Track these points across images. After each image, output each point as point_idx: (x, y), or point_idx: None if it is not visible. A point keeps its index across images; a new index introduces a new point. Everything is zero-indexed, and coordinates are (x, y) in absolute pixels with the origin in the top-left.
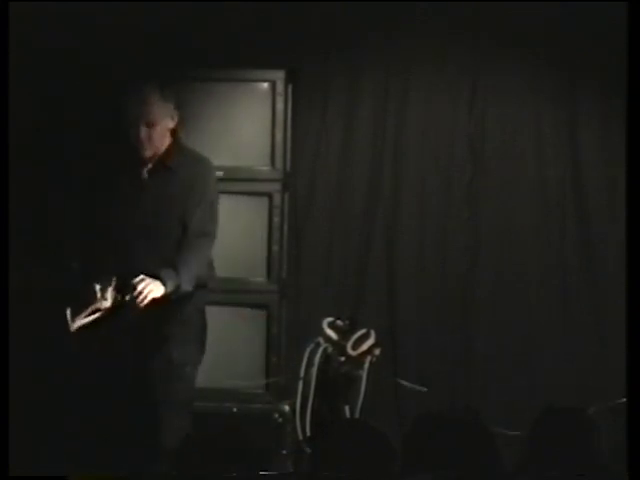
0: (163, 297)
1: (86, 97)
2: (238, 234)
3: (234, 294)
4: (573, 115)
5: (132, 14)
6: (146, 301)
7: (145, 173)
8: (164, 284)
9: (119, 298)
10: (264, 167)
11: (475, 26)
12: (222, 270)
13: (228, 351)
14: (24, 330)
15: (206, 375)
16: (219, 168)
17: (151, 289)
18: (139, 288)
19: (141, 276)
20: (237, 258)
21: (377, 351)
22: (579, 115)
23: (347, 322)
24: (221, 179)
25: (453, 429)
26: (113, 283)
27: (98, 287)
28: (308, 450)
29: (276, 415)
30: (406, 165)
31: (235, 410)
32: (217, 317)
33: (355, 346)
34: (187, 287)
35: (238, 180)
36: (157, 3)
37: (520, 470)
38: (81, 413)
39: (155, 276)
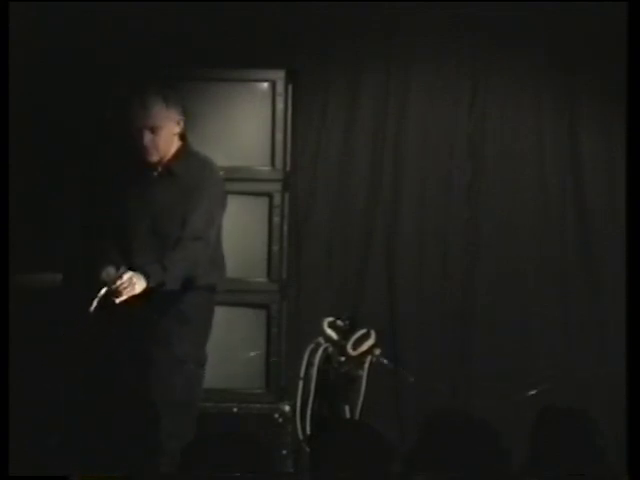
0: (145, 292)
1: (89, 97)
2: (238, 234)
3: (234, 294)
4: (573, 115)
5: (132, 14)
6: (122, 297)
7: (151, 177)
8: (147, 279)
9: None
10: (264, 167)
11: (475, 26)
12: None
13: (228, 351)
14: (24, 330)
15: (206, 375)
16: (219, 168)
17: (131, 286)
18: (118, 283)
19: (125, 274)
20: (237, 258)
21: (377, 351)
22: (579, 115)
23: (347, 322)
24: None
25: (455, 429)
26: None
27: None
28: (308, 450)
29: (276, 415)
30: (406, 165)
31: (235, 410)
32: (217, 317)
33: (355, 346)
34: (172, 286)
35: (238, 180)
36: (157, 3)
37: (520, 470)
38: (81, 412)
39: (141, 269)
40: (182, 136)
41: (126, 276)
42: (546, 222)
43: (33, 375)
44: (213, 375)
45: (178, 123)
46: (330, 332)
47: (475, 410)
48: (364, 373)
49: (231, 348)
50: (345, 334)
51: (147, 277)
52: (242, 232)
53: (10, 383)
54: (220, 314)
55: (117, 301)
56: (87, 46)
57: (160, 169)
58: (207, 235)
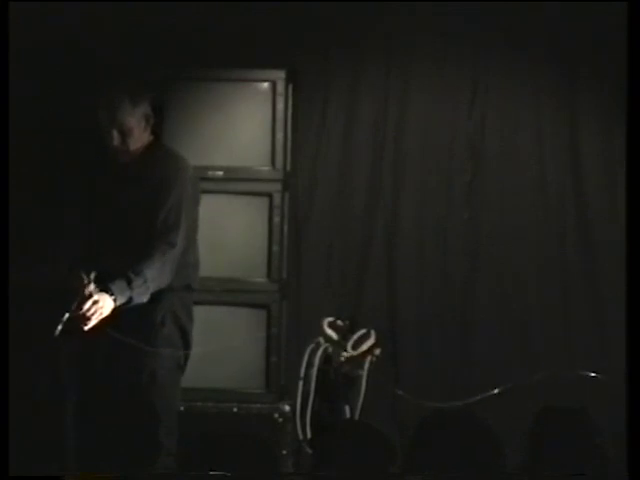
0: (113, 311)
1: (88, 97)
2: (238, 234)
3: (234, 294)
4: (573, 115)
5: (132, 14)
6: (91, 323)
7: (122, 173)
8: (114, 299)
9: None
10: (264, 167)
11: (475, 26)
12: (222, 270)
13: (228, 351)
14: (24, 330)
15: (206, 375)
16: (219, 168)
17: (98, 310)
18: (84, 309)
19: (89, 301)
20: (237, 258)
21: (377, 351)
22: (579, 115)
23: (347, 322)
24: (221, 179)
25: (454, 429)
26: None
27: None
28: (308, 450)
29: (276, 415)
30: (406, 165)
31: (235, 410)
32: (217, 317)
33: (355, 346)
34: (139, 300)
35: (238, 180)
36: (157, 3)
37: (520, 470)
38: (80, 413)
39: (105, 289)
40: (153, 131)
41: (90, 301)
42: (546, 222)
43: (33, 375)
44: (213, 375)
45: (147, 120)
46: (330, 332)
47: (475, 410)
48: (364, 373)
49: (231, 348)
50: (345, 334)
51: (112, 295)
52: (242, 232)
53: (10, 383)
54: (220, 314)
55: (86, 328)
56: (87, 46)
57: (129, 166)
58: (174, 237)
